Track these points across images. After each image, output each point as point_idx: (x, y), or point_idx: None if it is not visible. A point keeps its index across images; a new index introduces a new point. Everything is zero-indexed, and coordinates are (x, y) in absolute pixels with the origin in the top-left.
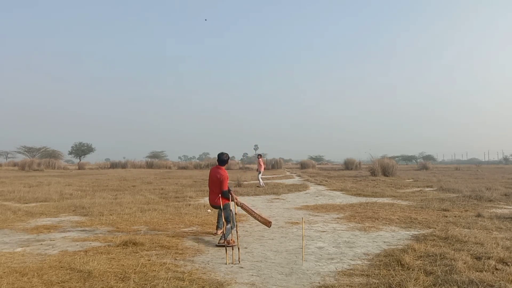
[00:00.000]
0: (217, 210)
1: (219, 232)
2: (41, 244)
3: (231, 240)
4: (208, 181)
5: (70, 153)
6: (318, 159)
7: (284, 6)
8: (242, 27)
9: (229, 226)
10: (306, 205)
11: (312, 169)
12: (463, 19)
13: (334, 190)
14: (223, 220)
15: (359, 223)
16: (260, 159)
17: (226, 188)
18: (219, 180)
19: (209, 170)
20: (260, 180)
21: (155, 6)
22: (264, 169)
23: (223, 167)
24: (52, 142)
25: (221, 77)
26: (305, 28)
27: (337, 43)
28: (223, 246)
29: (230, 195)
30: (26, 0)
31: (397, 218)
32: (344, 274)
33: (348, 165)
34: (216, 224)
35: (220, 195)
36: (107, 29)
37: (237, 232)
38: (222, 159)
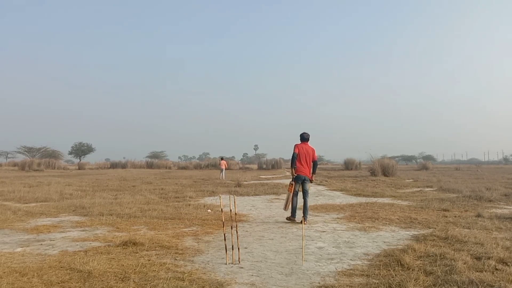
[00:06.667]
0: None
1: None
2: (41, 244)
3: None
4: (300, 156)
5: (70, 153)
6: (318, 159)
7: (282, 6)
8: (241, 28)
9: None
10: None
11: None
12: (465, 21)
13: (334, 190)
14: (307, 190)
15: (359, 223)
16: (223, 161)
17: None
18: (312, 153)
19: (209, 170)
20: (222, 176)
21: (153, 6)
22: (226, 169)
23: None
24: (52, 142)
25: (221, 78)
26: (305, 28)
27: (337, 44)
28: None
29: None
30: (26, 0)
31: (397, 218)
32: (344, 274)
33: (348, 165)
34: (302, 215)
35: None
36: (107, 31)
37: (237, 232)
38: (306, 137)
